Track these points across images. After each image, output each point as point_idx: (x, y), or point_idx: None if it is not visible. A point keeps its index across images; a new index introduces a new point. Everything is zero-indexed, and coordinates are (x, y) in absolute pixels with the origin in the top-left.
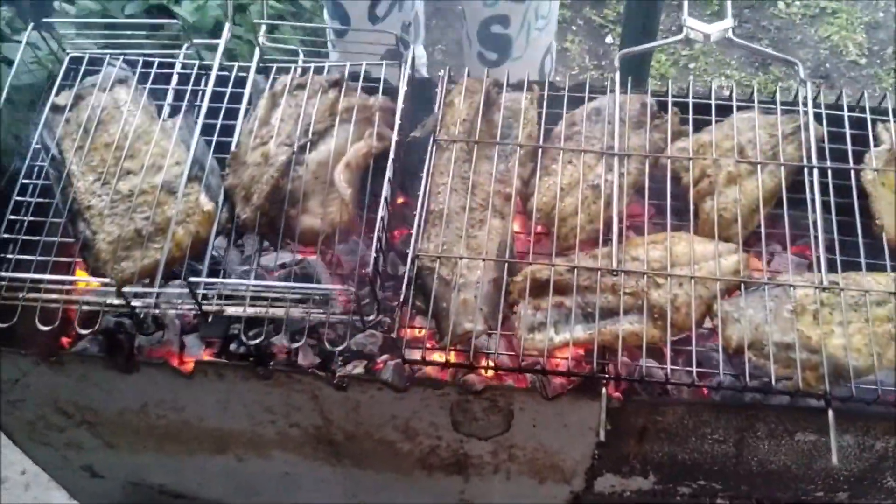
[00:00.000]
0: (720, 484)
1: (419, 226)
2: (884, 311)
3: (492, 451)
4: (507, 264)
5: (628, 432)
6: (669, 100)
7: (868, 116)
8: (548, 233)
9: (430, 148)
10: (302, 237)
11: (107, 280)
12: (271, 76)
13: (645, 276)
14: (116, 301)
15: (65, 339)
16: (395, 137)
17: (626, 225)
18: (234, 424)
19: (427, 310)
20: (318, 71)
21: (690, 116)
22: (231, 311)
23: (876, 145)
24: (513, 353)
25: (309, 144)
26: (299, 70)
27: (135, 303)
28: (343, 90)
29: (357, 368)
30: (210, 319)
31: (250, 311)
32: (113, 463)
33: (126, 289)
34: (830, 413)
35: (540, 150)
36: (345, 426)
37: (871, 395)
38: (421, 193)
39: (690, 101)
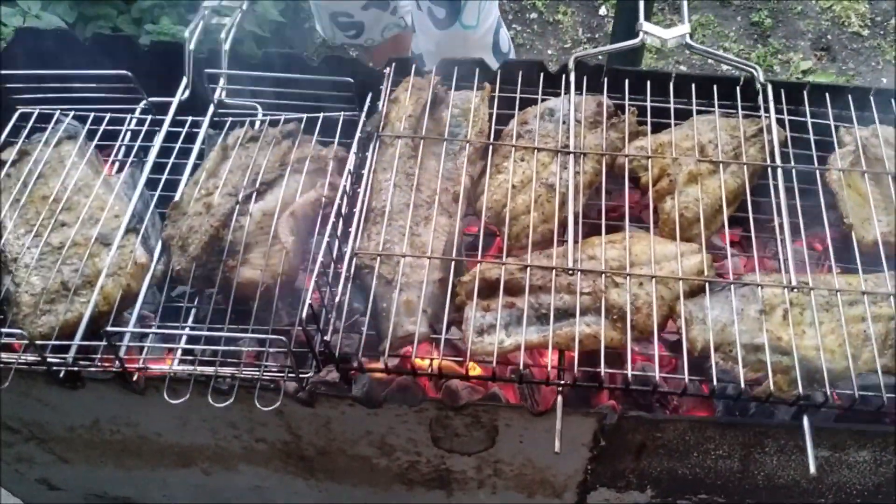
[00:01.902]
0: (723, 497)
1: (359, 223)
2: (856, 311)
3: (476, 466)
4: (454, 264)
5: (625, 448)
6: (626, 101)
7: (832, 123)
8: (499, 233)
9: (372, 144)
10: (240, 289)
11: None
12: (224, 129)
13: (603, 275)
14: (31, 357)
15: None
16: (341, 188)
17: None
18: (196, 439)
19: (368, 312)
20: (276, 123)
21: (649, 118)
22: (155, 367)
23: (840, 147)
24: (459, 358)
25: (256, 194)
26: (257, 123)
27: (51, 359)
28: (297, 141)
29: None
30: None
31: (177, 368)
32: (70, 476)
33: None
34: (805, 420)
35: (490, 148)
36: (316, 442)
37: (876, 402)
38: (362, 190)
39: (648, 103)
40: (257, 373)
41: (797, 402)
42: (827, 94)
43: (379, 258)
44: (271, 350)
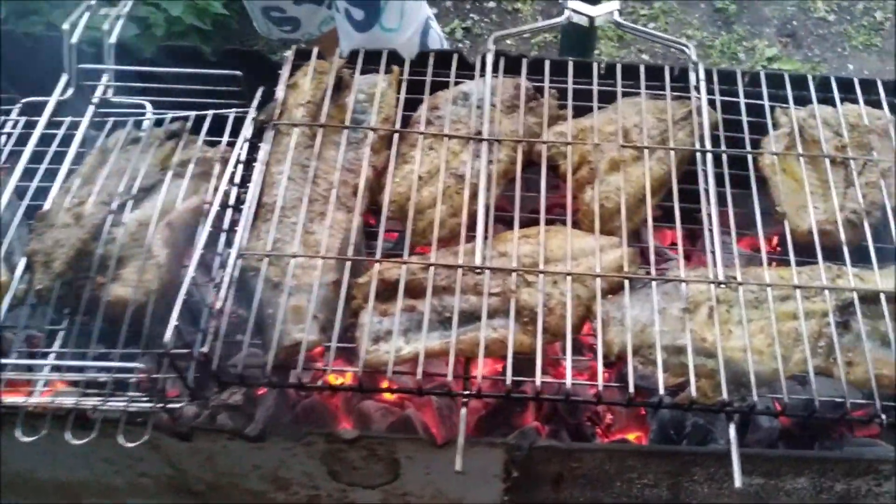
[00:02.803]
0: None
1: (247, 220)
2: (788, 307)
3: (382, 499)
4: (350, 264)
5: (541, 478)
6: (546, 83)
7: (766, 103)
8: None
9: (266, 133)
10: (109, 309)
11: None
12: (105, 130)
13: (513, 273)
14: None
15: None
16: (219, 195)
17: (493, 217)
18: (74, 475)
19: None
20: (162, 122)
21: (570, 102)
22: (8, 400)
23: (774, 129)
24: (353, 369)
25: (132, 202)
26: (146, 123)
27: None
28: (183, 142)
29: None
30: None
31: (34, 401)
32: None
33: None
34: (731, 429)
35: (396, 136)
36: (203, 476)
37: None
38: (252, 184)
39: (570, 85)
40: (123, 404)
41: (722, 409)
42: (762, 73)
43: (266, 259)
44: (163, 376)
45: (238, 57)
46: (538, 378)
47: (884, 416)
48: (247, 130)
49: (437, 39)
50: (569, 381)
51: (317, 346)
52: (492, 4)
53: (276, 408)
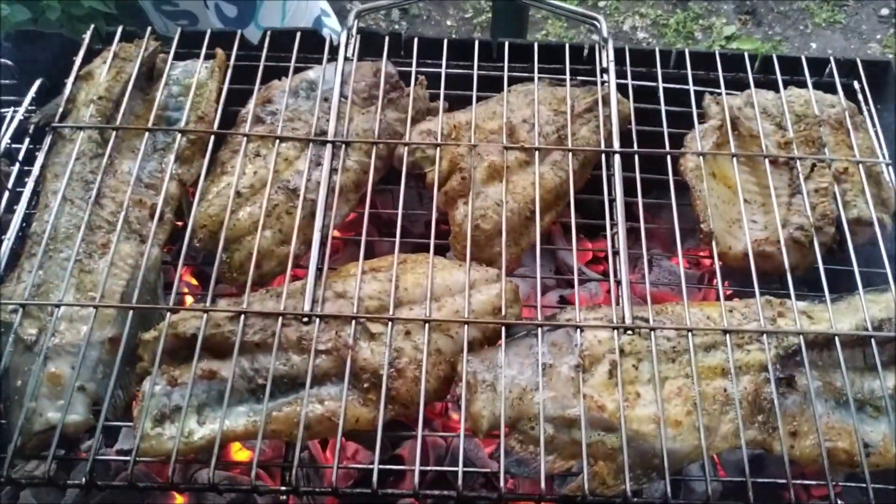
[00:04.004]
0: None
1: (3, 256)
2: (715, 359)
3: None
4: (135, 313)
5: None
6: (414, 68)
7: (692, 88)
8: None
9: (46, 139)
10: None
11: None
12: None
13: (353, 321)
14: None
15: None
16: None
17: (330, 246)
18: None
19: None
20: None
21: (442, 91)
22: None
23: (702, 122)
24: (123, 459)
25: None
26: None
27: None
28: None
29: None
30: None
31: None
32: None
33: None
34: None
35: (212, 139)
36: None
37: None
38: (19, 206)
39: (443, 70)
40: None
41: (625, 502)
42: (686, 52)
43: (21, 311)
44: None
45: (31, 41)
46: (417, 467)
47: None
48: (6, 136)
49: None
50: (417, 467)
51: (83, 429)
52: None
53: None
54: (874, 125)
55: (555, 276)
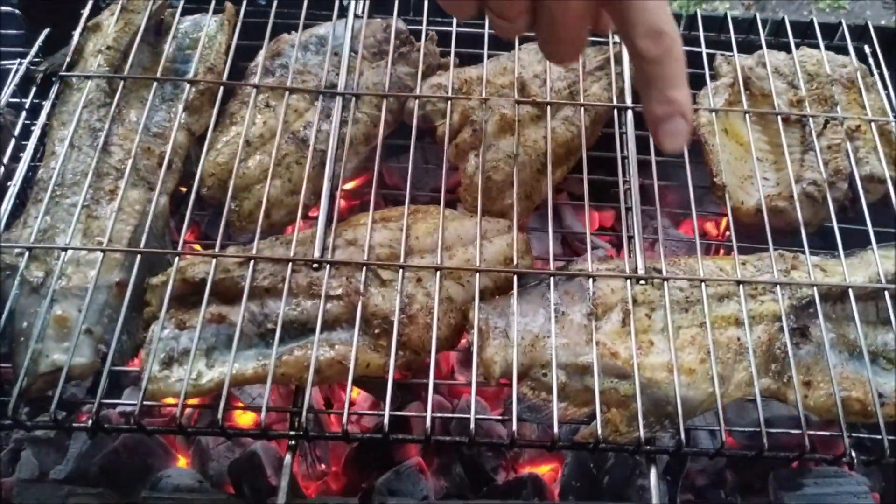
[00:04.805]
0: None
1: (9, 202)
2: (728, 309)
3: None
4: (142, 258)
5: None
6: (424, 26)
7: (703, 50)
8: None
9: (53, 89)
10: None
11: None
12: None
13: (364, 268)
14: None
15: None
16: None
17: (341, 194)
18: None
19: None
20: None
21: (453, 48)
22: None
23: (713, 80)
24: (129, 404)
25: None
26: None
27: None
28: None
29: None
30: None
31: None
32: None
33: None
34: (653, 475)
35: (221, 91)
36: None
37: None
38: (25, 154)
39: (454, 27)
40: None
41: (638, 450)
42: (699, 13)
43: (27, 253)
44: None
45: None
46: (429, 414)
47: (854, 455)
48: (11, 85)
49: None
50: (429, 414)
51: (89, 372)
52: None
53: (92, 445)
54: (885, 87)
55: (562, 230)
